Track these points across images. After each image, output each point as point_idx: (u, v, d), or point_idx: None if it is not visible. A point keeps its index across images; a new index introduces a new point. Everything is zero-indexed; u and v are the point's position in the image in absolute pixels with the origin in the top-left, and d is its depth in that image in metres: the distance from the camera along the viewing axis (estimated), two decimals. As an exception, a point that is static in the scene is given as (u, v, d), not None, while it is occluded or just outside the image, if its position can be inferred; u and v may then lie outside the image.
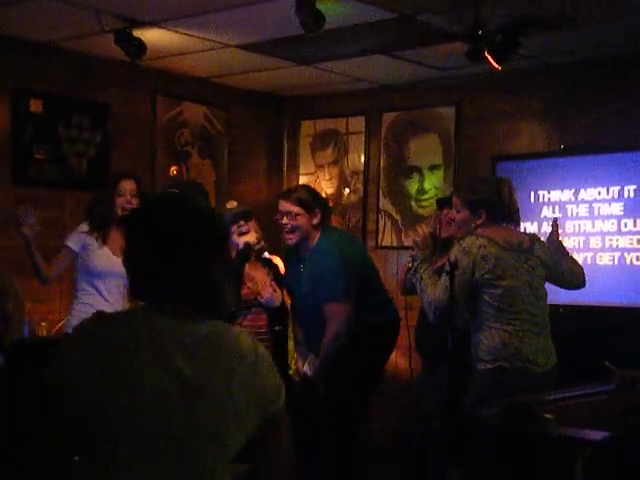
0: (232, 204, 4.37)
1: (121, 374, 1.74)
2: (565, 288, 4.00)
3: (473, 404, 3.52)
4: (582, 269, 3.98)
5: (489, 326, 3.66)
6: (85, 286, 4.53)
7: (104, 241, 4.50)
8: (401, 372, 5.87)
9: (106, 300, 4.45)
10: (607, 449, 2.51)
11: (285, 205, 4.13)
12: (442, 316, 3.62)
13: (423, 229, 3.90)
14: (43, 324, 5.16)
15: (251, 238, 4.20)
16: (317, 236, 4.16)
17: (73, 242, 4.55)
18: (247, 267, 4.24)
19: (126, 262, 1.91)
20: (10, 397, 2.67)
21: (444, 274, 3.62)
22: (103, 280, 4.47)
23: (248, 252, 4.18)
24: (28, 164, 5.41)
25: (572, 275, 3.93)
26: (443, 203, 4.29)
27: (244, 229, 4.23)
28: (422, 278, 3.74)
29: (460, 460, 3.32)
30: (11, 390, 2.71)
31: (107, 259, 4.46)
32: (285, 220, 4.13)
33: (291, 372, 4.42)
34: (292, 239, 4.16)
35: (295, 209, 4.10)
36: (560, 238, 4.01)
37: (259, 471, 1.84)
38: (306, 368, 4.25)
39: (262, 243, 4.34)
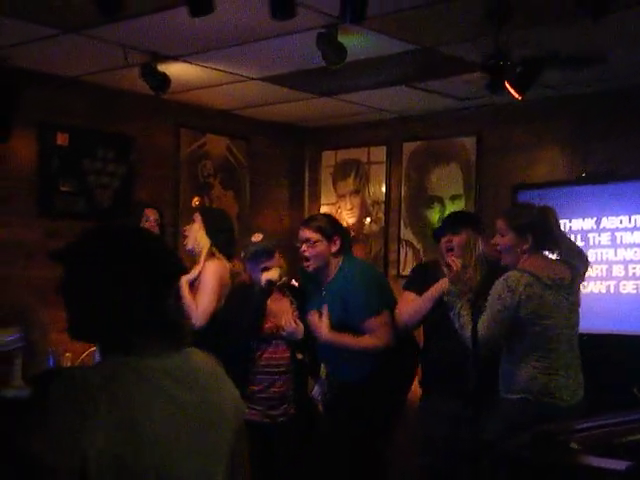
0: (257, 237, 4.33)
1: (140, 427, 1.60)
2: None
3: (497, 432, 3.51)
4: (582, 251, 4.06)
5: (521, 360, 3.65)
6: None
7: None
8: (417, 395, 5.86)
9: None
10: (630, 478, 2.50)
11: (304, 233, 4.18)
12: (485, 349, 3.62)
13: (457, 264, 3.85)
14: (68, 354, 5.19)
15: (274, 275, 4.18)
16: (338, 264, 4.18)
17: None
18: (270, 301, 4.24)
19: (75, 298, 1.71)
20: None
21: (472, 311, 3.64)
22: None
23: (270, 289, 4.18)
24: (54, 196, 5.49)
25: (584, 268, 3.99)
26: (439, 233, 4.27)
27: (267, 265, 4.24)
28: (460, 314, 3.70)
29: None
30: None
31: None
32: (304, 247, 4.17)
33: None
34: (310, 266, 4.19)
35: (314, 236, 4.14)
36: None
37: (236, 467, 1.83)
38: (315, 392, 4.25)
39: (284, 279, 4.33)
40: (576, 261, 3.91)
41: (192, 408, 1.69)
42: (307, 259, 4.18)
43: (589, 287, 5.31)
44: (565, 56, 4.56)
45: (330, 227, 4.20)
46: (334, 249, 4.17)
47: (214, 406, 1.75)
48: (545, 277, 3.67)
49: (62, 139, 5.51)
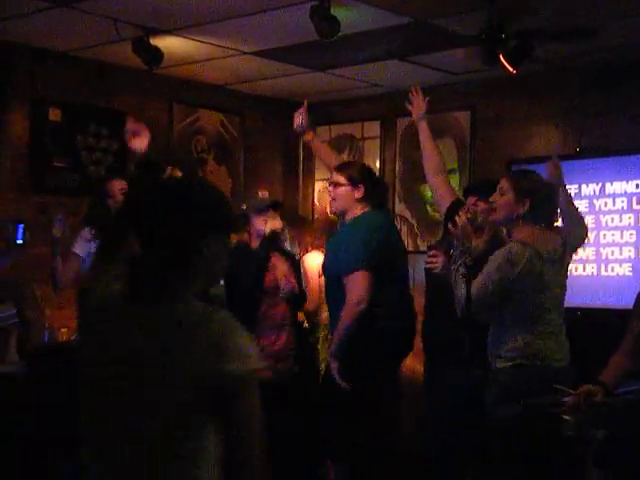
0: (265, 194, 4.47)
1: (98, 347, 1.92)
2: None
3: (492, 403, 3.53)
4: (583, 219, 4.01)
5: (512, 329, 3.65)
6: None
7: None
8: (418, 375, 5.86)
9: None
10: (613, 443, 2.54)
11: (333, 176, 4.28)
12: (474, 309, 3.59)
13: (462, 219, 3.80)
14: (63, 330, 5.19)
15: (277, 225, 4.35)
16: (357, 213, 4.19)
17: (80, 249, 4.63)
18: (273, 257, 4.38)
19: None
20: (33, 401, 2.71)
21: (461, 275, 3.62)
22: None
23: (275, 238, 4.28)
24: (47, 172, 5.47)
25: (583, 236, 3.97)
26: (469, 192, 4.25)
27: (269, 216, 4.37)
28: (458, 270, 3.64)
29: (476, 462, 3.33)
30: (34, 395, 2.75)
31: None
32: (330, 188, 4.27)
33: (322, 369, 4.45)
34: (332, 207, 4.29)
35: (339, 179, 4.21)
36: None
37: (228, 432, 1.84)
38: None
39: (286, 232, 4.43)
40: (574, 228, 3.91)
41: (139, 350, 1.86)
42: (333, 199, 4.26)
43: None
44: (557, 29, 4.54)
45: (358, 174, 4.25)
46: (357, 195, 4.19)
47: (167, 355, 1.84)
48: (544, 251, 3.65)
49: (55, 115, 5.48)
